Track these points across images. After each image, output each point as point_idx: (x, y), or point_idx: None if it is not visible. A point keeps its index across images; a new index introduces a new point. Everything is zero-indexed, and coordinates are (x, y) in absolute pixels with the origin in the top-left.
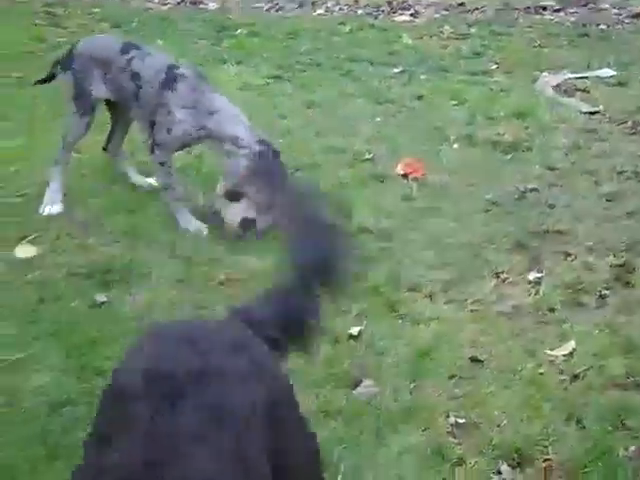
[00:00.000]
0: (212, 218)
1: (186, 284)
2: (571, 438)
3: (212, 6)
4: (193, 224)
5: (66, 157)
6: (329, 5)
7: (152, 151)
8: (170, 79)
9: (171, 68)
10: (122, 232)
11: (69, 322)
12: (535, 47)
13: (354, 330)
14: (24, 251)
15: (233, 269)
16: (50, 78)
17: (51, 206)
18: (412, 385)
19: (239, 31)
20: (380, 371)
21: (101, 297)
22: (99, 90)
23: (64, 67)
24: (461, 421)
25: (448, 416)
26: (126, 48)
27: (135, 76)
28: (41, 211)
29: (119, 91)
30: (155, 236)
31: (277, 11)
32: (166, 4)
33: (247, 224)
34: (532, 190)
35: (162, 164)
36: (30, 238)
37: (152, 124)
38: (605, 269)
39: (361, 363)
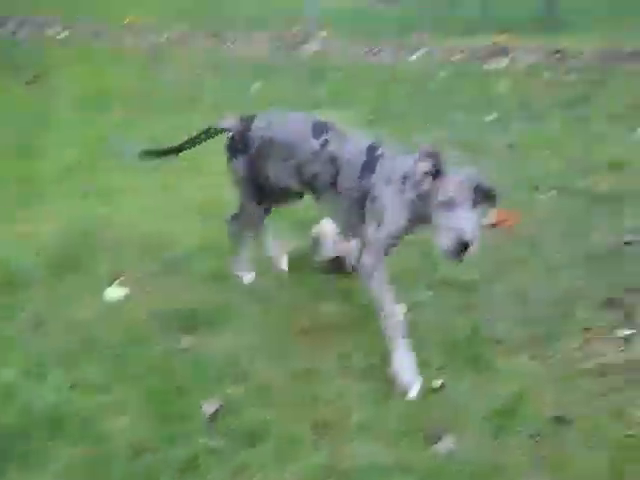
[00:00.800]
0: None
1: (268, 330)
2: None
3: (312, 49)
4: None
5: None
6: (427, 50)
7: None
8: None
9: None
10: (210, 274)
11: (154, 368)
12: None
13: (435, 383)
14: (114, 292)
15: (314, 316)
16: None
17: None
18: (493, 443)
19: (336, 75)
20: (460, 427)
21: (187, 341)
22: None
23: (234, 153)
24: None
25: (529, 478)
26: (318, 128)
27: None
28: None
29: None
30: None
31: (374, 55)
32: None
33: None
34: (627, 243)
35: (372, 273)
36: (121, 279)
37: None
38: None
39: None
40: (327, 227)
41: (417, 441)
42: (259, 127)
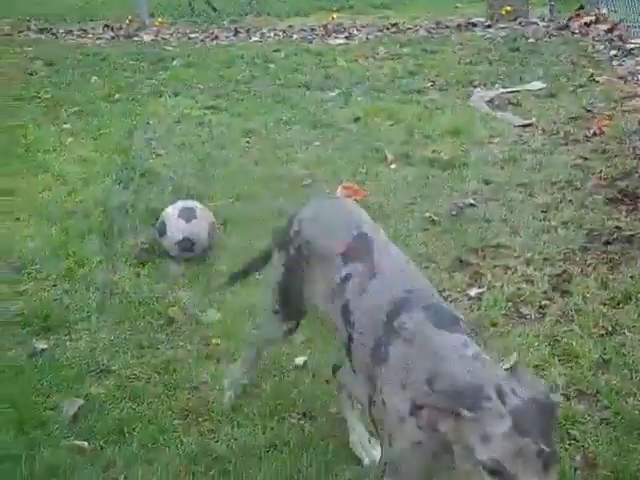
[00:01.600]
0: None
1: (125, 325)
2: None
3: (147, 39)
4: None
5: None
6: (264, 32)
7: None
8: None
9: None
10: (60, 276)
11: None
12: (467, 64)
13: (299, 360)
14: None
15: (172, 306)
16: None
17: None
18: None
19: (175, 62)
20: (329, 399)
21: (40, 344)
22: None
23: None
24: None
25: None
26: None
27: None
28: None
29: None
30: (93, 278)
31: (212, 40)
32: (100, 39)
33: None
34: (470, 205)
35: None
36: None
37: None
38: (544, 280)
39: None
40: None
41: (287, 418)
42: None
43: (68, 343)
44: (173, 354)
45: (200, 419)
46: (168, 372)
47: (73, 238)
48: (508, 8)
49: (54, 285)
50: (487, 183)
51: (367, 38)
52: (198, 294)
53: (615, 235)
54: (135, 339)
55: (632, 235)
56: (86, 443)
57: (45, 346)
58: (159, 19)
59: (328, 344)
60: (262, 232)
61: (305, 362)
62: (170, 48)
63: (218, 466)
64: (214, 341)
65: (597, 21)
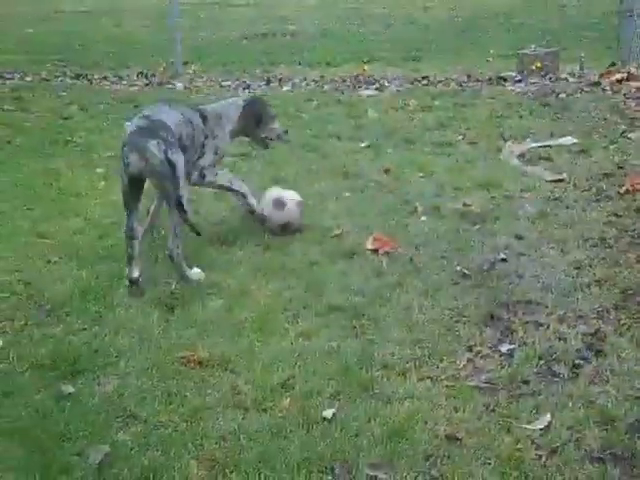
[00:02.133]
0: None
1: (154, 370)
2: None
3: (180, 86)
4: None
5: None
6: (296, 81)
7: None
8: None
9: None
10: (89, 319)
11: (33, 417)
12: (498, 117)
13: (328, 412)
14: None
15: (200, 351)
16: None
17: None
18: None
19: None
20: (356, 454)
21: (68, 388)
22: None
23: None
24: None
25: None
26: None
27: None
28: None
29: None
30: (123, 323)
31: (244, 89)
32: (133, 85)
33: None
34: (501, 260)
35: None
36: None
37: None
38: (577, 338)
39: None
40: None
41: (314, 472)
42: None
43: (96, 388)
44: (201, 402)
45: (227, 470)
46: (195, 420)
47: (103, 282)
48: (539, 64)
49: (83, 329)
50: (519, 238)
51: (398, 90)
52: (227, 341)
53: None
54: (163, 386)
55: None
56: None
57: (72, 390)
58: (193, 67)
59: (356, 396)
60: (294, 281)
61: (334, 414)
62: (202, 95)
63: None
64: (242, 389)
65: (629, 78)
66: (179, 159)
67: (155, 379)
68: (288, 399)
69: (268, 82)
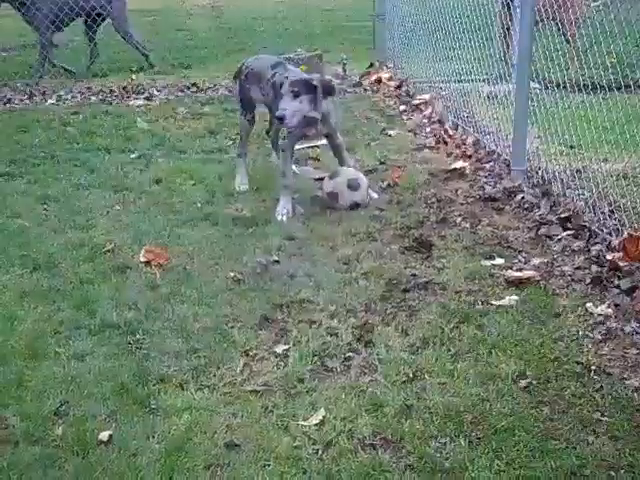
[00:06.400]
0: None
1: None
2: None
3: None
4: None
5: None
6: (61, 94)
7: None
8: None
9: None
10: None
11: None
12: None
13: (104, 435)
14: None
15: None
16: None
17: (240, 186)
18: None
19: None
20: (135, 475)
21: None
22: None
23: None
24: None
25: None
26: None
27: None
28: (236, 188)
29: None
30: None
31: (5, 104)
32: None
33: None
34: (274, 262)
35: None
36: None
37: None
38: (348, 332)
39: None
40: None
41: None
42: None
43: None
44: None
45: None
46: None
47: None
48: (304, 67)
49: None
50: (290, 239)
51: (167, 99)
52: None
53: (412, 283)
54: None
55: (427, 282)
56: None
57: None
58: None
59: (133, 414)
60: (64, 302)
61: (110, 436)
62: None
63: None
64: (11, 422)
65: (389, 79)
66: None
67: None
68: (61, 426)
69: (31, 96)
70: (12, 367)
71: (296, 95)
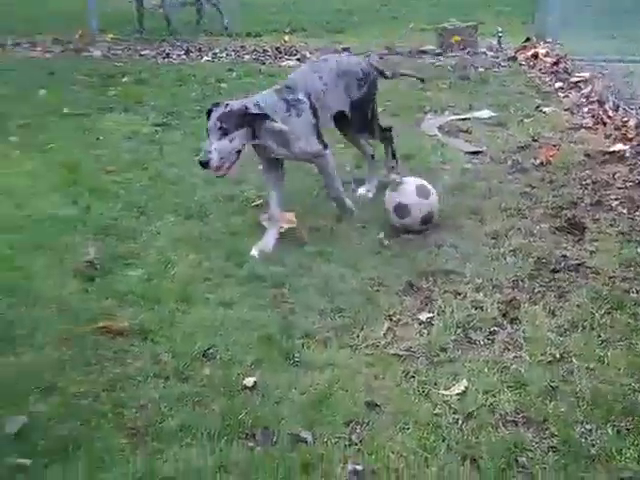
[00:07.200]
0: None
1: (70, 340)
2: (466, 479)
3: (97, 54)
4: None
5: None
6: (216, 51)
7: None
8: None
9: None
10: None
11: None
12: (418, 90)
13: (249, 381)
14: None
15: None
16: None
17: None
18: (309, 434)
19: (125, 79)
20: (277, 421)
21: None
22: None
23: None
24: (359, 468)
25: (346, 463)
26: None
27: None
28: None
29: None
30: (39, 294)
31: (164, 58)
32: (49, 52)
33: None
34: (420, 231)
35: None
36: None
37: None
38: (493, 306)
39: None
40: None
41: (235, 440)
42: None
43: (12, 359)
44: (121, 372)
45: (147, 438)
46: (115, 390)
47: (20, 252)
48: (458, 37)
49: None
50: (438, 209)
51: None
52: (147, 310)
53: (562, 264)
54: (82, 356)
55: (579, 264)
56: (29, 461)
57: None
58: (110, 35)
59: (278, 365)
60: (214, 251)
61: (255, 383)
62: (120, 64)
63: None
64: (163, 358)
65: (546, 54)
66: None
67: (73, 350)
68: (209, 368)
69: (187, 52)
70: (165, 308)
71: (225, 133)
